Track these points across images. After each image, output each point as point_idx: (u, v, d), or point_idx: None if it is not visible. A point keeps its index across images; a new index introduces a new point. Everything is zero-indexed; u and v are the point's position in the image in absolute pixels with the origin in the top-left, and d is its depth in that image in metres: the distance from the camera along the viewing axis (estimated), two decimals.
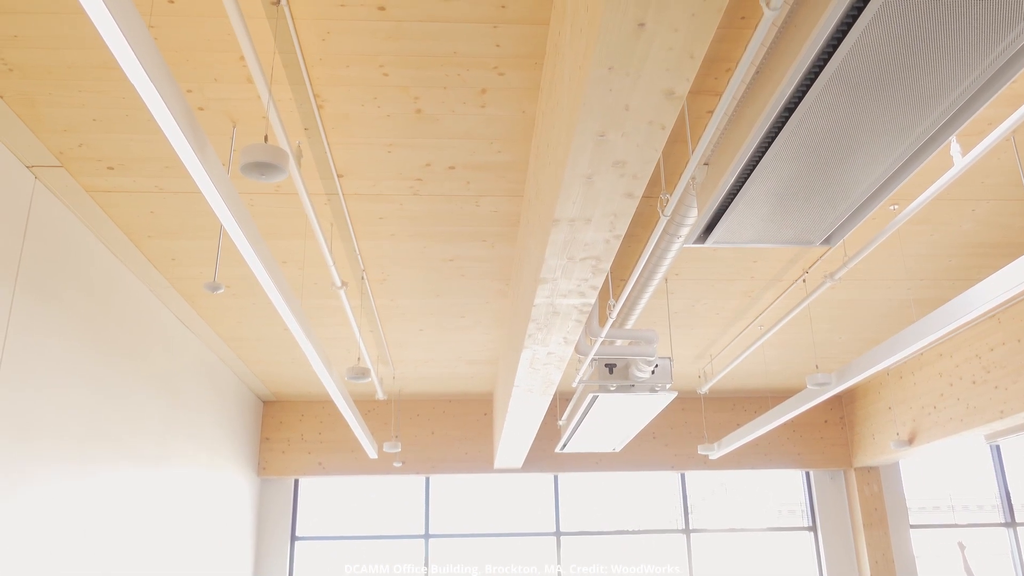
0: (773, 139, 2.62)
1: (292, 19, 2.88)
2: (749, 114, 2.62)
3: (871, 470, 8.78)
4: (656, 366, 4.90)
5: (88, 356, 4.61)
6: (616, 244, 3.20)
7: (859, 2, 2.00)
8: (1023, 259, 3.21)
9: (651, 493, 9.11)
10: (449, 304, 5.84)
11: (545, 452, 8.80)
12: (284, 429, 8.71)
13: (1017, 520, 8.50)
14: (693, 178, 3.25)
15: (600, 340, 4.44)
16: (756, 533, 8.92)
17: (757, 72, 2.54)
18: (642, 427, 5.99)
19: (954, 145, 3.77)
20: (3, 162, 3.67)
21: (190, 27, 2.91)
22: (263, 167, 2.43)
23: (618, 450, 7.87)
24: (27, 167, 3.85)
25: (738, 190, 2.96)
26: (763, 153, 2.71)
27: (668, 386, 4.94)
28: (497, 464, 8.29)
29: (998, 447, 8.80)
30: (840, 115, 2.42)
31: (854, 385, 8.74)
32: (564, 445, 6.69)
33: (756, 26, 2.91)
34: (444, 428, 8.80)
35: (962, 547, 8.13)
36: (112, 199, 4.20)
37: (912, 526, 8.70)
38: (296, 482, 8.79)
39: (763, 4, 1.95)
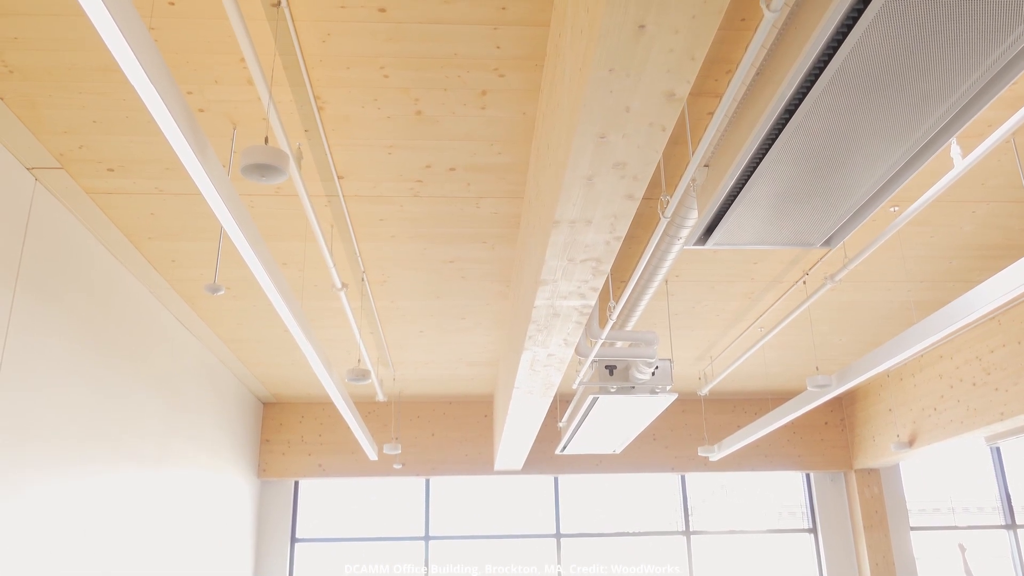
0: (773, 141, 2.62)
1: (292, 21, 2.88)
2: (749, 116, 2.62)
3: (871, 472, 8.78)
4: (656, 368, 4.90)
5: (88, 357, 4.61)
6: (616, 246, 3.20)
7: (859, 4, 2.00)
8: (1023, 261, 3.21)
9: (651, 495, 9.11)
10: (449, 306, 5.84)
11: (545, 454, 8.80)
12: (284, 431, 8.71)
13: (1017, 522, 8.50)
14: (693, 180, 3.25)
15: (600, 342, 4.44)
16: (756, 535, 8.91)
17: (757, 74, 2.54)
18: (642, 429, 5.99)
19: (954, 147, 3.77)
20: (3, 164, 3.67)
21: (190, 29, 2.91)
22: (263, 169, 2.43)
23: (618, 452, 7.86)
24: (27, 169, 3.85)
25: (738, 192, 2.96)
26: (763, 155, 2.71)
27: (668, 388, 4.94)
28: (497, 466, 8.29)
29: (998, 449, 8.79)
30: (840, 117, 2.42)
31: (854, 387, 8.74)
32: (564, 447, 6.69)
33: (756, 28, 2.91)
34: (444, 430, 8.79)
35: (962, 549, 8.12)
36: (112, 201, 4.20)
37: (912, 528, 8.70)
38: (296, 484, 8.79)
39: (763, 6, 1.95)
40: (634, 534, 8.84)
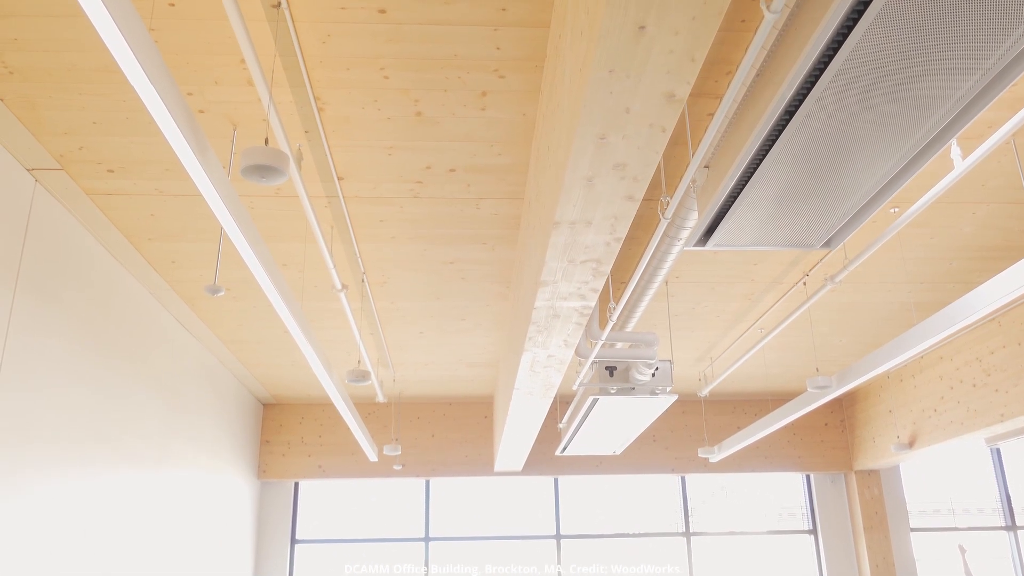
0: (774, 142, 2.62)
1: (292, 22, 2.88)
2: (750, 117, 2.62)
3: (871, 473, 8.77)
4: (656, 369, 4.90)
5: (88, 358, 4.61)
6: (617, 247, 3.20)
7: (859, 5, 2.00)
8: (1023, 262, 3.21)
9: (651, 496, 9.10)
10: (449, 307, 5.84)
11: (545, 455, 8.80)
12: (284, 432, 8.71)
13: (1017, 523, 8.49)
14: (694, 181, 3.25)
15: (600, 343, 4.44)
16: (756, 536, 8.91)
17: (758, 75, 2.54)
18: (642, 430, 5.98)
19: (954, 148, 3.77)
20: (3, 165, 3.67)
21: (191, 30, 2.91)
22: (263, 170, 2.43)
23: (618, 453, 7.86)
24: (27, 170, 3.85)
25: (739, 193, 2.95)
26: (764, 156, 2.71)
27: (668, 389, 4.94)
28: (497, 467, 8.28)
29: (998, 450, 8.79)
30: (841, 118, 2.42)
31: (854, 388, 8.74)
32: (564, 448, 6.69)
33: (757, 29, 2.91)
34: (444, 431, 8.79)
35: (963, 550, 8.12)
36: (112, 202, 4.20)
37: (912, 529, 8.69)
38: (296, 485, 8.79)
39: (764, 7, 1.95)
40: (634, 535, 8.83)
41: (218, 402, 7.12)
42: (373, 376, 5.28)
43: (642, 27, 1.94)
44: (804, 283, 5.48)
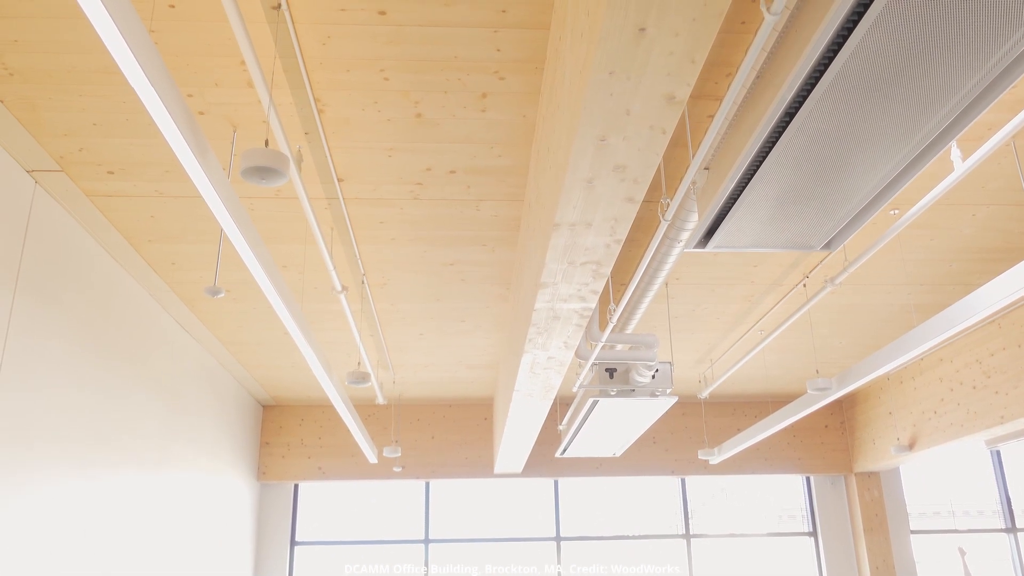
0: (774, 144, 2.62)
1: (292, 23, 2.88)
2: (750, 119, 2.62)
3: (872, 475, 8.77)
4: (656, 371, 4.89)
5: (88, 360, 4.61)
6: (617, 248, 3.20)
7: (860, 7, 2.00)
8: (1023, 264, 3.21)
9: (651, 498, 9.10)
10: (449, 308, 5.84)
11: (545, 457, 8.79)
12: (284, 434, 8.70)
13: (1017, 526, 8.49)
14: (694, 182, 3.25)
15: (600, 344, 4.44)
16: (756, 538, 8.90)
17: (758, 77, 2.54)
18: (642, 432, 5.98)
19: (954, 150, 3.77)
20: (3, 166, 3.67)
21: (191, 31, 2.91)
22: (264, 171, 2.43)
23: (618, 455, 7.85)
24: (27, 171, 3.85)
25: (739, 195, 2.95)
26: (764, 158, 2.71)
27: (668, 391, 4.94)
28: (497, 469, 8.28)
29: (998, 452, 8.79)
30: (841, 120, 2.42)
31: (854, 390, 8.74)
32: (564, 450, 6.68)
33: (757, 31, 2.91)
34: (444, 433, 8.79)
35: (963, 553, 8.12)
36: (112, 203, 4.20)
37: (913, 531, 8.69)
38: (296, 487, 8.78)
39: (764, 9, 1.95)
40: (634, 537, 8.83)
41: (218, 404, 7.12)
42: (373, 378, 5.28)
43: (642, 29, 1.94)
44: (804, 285, 5.48)
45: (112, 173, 3.90)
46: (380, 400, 6.43)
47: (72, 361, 4.42)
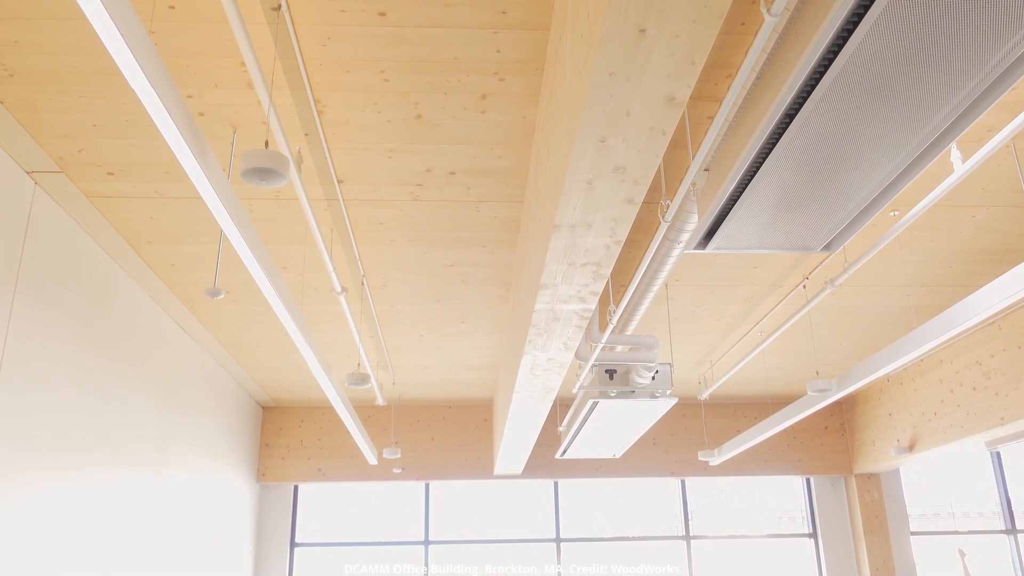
0: (774, 145, 2.62)
1: (293, 24, 2.88)
2: (750, 120, 2.62)
3: (871, 477, 8.76)
4: (656, 372, 4.89)
5: (88, 361, 4.61)
6: (617, 250, 3.20)
7: (860, 8, 2.00)
8: (1023, 265, 3.21)
9: (651, 499, 9.09)
10: (449, 310, 5.83)
11: (545, 458, 8.79)
12: (284, 435, 8.70)
13: (1017, 527, 8.48)
14: (694, 184, 3.25)
15: (600, 346, 4.44)
16: (756, 540, 8.90)
17: (758, 78, 2.54)
18: (642, 433, 5.98)
19: (954, 151, 3.77)
20: (3, 167, 3.67)
21: (191, 32, 2.91)
22: (263, 172, 2.43)
23: (618, 456, 7.85)
24: (27, 172, 3.85)
25: (739, 196, 2.95)
26: (764, 159, 2.71)
27: (668, 392, 4.94)
28: (497, 470, 8.27)
29: (998, 454, 8.78)
30: (841, 121, 2.42)
31: (854, 391, 8.73)
32: (564, 451, 6.68)
33: (757, 32, 2.91)
34: (444, 434, 8.78)
35: (962, 554, 8.11)
36: (112, 204, 4.19)
37: (913, 533, 8.68)
38: (296, 488, 8.78)
39: (764, 10, 1.95)
40: (634, 539, 8.82)
41: (217, 405, 7.11)
42: (373, 379, 5.28)
43: (642, 30, 1.94)
44: (804, 286, 5.48)
45: (112, 174, 3.90)
46: (380, 401, 6.43)
47: (72, 362, 4.42)
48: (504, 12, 2.83)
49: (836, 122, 2.43)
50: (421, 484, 8.86)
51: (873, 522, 8.58)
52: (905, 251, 4.97)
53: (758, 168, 2.76)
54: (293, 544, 8.57)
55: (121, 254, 4.78)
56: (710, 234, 3.30)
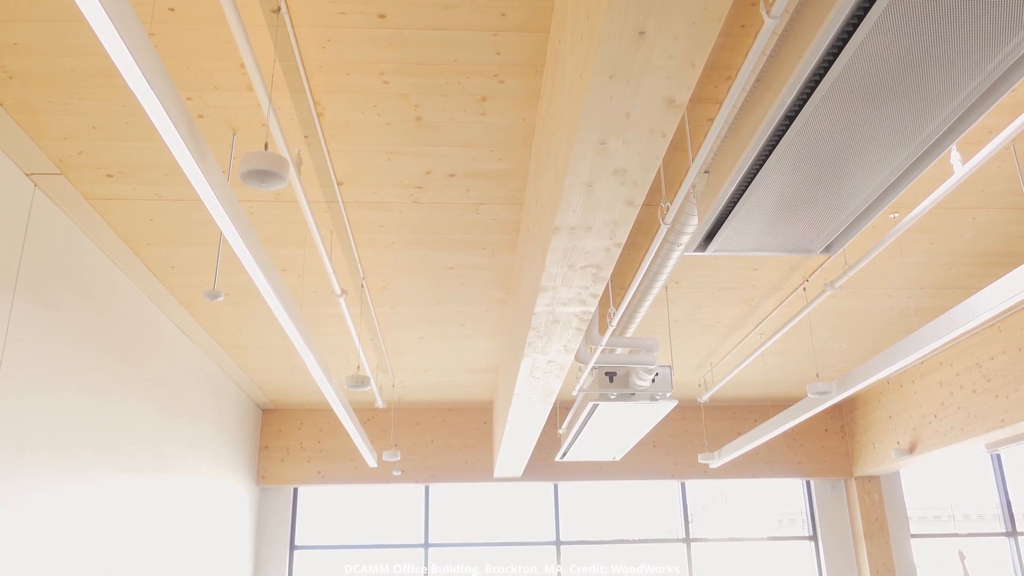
0: (773, 147, 2.61)
1: (292, 27, 2.88)
2: (749, 122, 2.62)
3: (872, 479, 8.76)
4: (656, 374, 4.89)
5: (87, 363, 4.60)
6: (617, 252, 3.20)
7: (860, 10, 2.00)
8: (1023, 268, 3.21)
9: (651, 502, 9.09)
10: (449, 312, 5.83)
11: (545, 461, 8.78)
12: (283, 438, 8.69)
13: (1018, 529, 8.47)
14: (693, 186, 3.25)
15: (600, 348, 4.44)
16: (756, 542, 8.89)
17: (757, 80, 2.53)
18: (642, 436, 5.97)
19: (954, 154, 3.77)
20: (2, 170, 3.66)
21: (190, 35, 2.91)
22: (263, 175, 2.43)
23: (618, 459, 7.84)
24: (26, 175, 3.85)
25: (738, 198, 2.95)
26: (763, 161, 2.70)
27: (668, 395, 4.93)
28: (497, 473, 8.27)
29: (999, 456, 8.78)
30: (840, 123, 2.42)
31: (854, 394, 8.73)
32: (564, 454, 6.67)
33: (756, 34, 2.91)
34: (444, 437, 8.78)
35: (963, 556, 8.10)
36: (111, 207, 4.19)
37: (913, 535, 8.67)
38: (295, 491, 8.77)
39: (763, 12, 1.95)
40: (634, 541, 8.81)
41: (217, 408, 7.11)
42: (372, 382, 5.27)
43: (642, 32, 1.94)
44: (804, 288, 5.48)
45: (111, 176, 3.89)
46: (379, 404, 6.42)
47: (71, 364, 4.41)
48: (504, 14, 2.83)
49: (836, 124, 2.43)
50: (421, 487, 8.85)
51: (873, 524, 8.58)
52: (905, 253, 4.97)
53: (758, 170, 2.76)
54: (293, 547, 8.56)
55: (120, 256, 4.77)
56: (710, 236, 3.30)
